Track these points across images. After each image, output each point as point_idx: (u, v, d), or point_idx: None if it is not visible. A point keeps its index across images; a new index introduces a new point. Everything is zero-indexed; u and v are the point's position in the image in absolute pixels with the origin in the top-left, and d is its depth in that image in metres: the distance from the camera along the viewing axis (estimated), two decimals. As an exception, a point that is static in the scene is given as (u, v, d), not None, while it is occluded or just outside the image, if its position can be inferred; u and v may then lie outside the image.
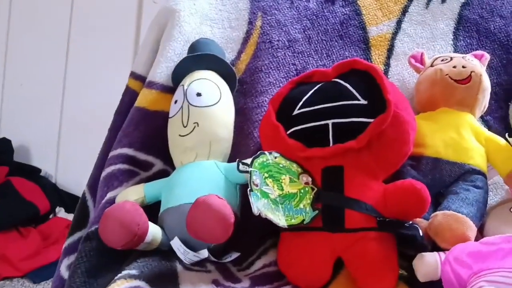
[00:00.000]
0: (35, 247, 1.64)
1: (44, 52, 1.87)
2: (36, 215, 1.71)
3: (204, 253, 0.66)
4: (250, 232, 0.72)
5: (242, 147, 0.80)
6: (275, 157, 0.68)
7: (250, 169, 0.65)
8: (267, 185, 0.66)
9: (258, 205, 0.63)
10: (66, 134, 1.87)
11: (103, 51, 1.74)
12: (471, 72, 0.79)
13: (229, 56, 0.88)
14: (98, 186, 0.79)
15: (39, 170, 1.87)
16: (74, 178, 1.83)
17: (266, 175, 0.67)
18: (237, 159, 0.68)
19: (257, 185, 0.65)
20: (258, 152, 0.68)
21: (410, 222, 0.65)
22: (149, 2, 1.69)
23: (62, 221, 1.74)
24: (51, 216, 1.78)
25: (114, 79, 0.99)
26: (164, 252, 0.68)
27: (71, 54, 1.85)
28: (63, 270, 0.79)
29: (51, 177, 1.89)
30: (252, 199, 0.63)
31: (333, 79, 0.75)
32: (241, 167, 0.66)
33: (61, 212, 1.80)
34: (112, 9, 1.75)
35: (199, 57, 0.79)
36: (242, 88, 0.86)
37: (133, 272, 0.61)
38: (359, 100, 0.70)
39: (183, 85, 0.77)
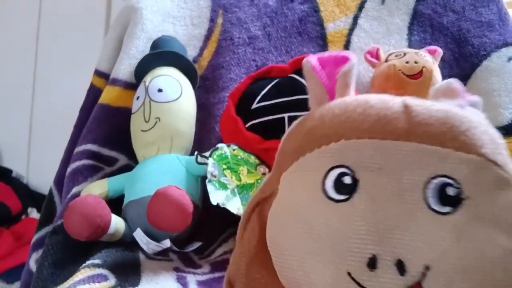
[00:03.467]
0: (8, 248, 1.63)
1: (13, 51, 1.86)
2: (7, 216, 1.71)
3: (166, 243, 0.68)
4: (211, 223, 0.75)
5: (204, 141, 0.82)
6: (233, 150, 0.71)
7: (208, 160, 0.68)
8: (225, 176, 0.69)
9: (216, 195, 0.66)
10: (37, 135, 1.87)
11: (72, 50, 1.74)
12: (423, 67, 0.81)
13: (191, 53, 0.90)
14: (64, 182, 0.81)
15: (10, 171, 1.87)
16: (45, 179, 1.81)
17: (224, 166, 0.69)
18: (196, 152, 0.71)
19: (215, 176, 0.68)
20: (217, 145, 0.70)
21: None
22: (118, 1, 1.70)
23: (35, 221, 1.72)
24: (23, 216, 1.78)
25: (84, 78, 1.00)
26: (128, 243, 0.70)
27: (40, 53, 1.84)
28: (32, 264, 0.81)
29: (22, 178, 1.88)
30: (210, 190, 0.66)
31: (289, 75, 0.78)
32: (200, 159, 0.69)
33: (33, 213, 1.80)
34: (81, 8, 1.76)
35: (161, 54, 0.81)
36: (205, 84, 0.88)
37: (97, 261, 0.63)
38: (313, 93, 0.73)
39: (145, 81, 0.79)
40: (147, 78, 0.79)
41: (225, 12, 0.93)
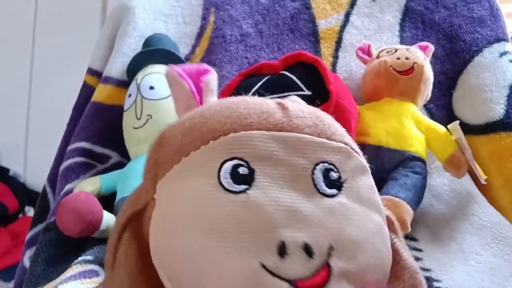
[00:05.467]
0: (5, 246, 1.64)
1: (9, 50, 1.87)
2: (5, 215, 1.72)
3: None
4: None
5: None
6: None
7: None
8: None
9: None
10: (34, 134, 1.88)
11: (68, 49, 1.75)
12: (414, 63, 0.82)
13: (183, 51, 0.90)
14: (57, 179, 0.81)
15: (7, 170, 1.88)
16: (42, 178, 1.81)
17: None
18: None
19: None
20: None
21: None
22: (114, 1, 1.70)
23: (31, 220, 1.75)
24: (20, 215, 1.79)
25: (81, 77, 1.00)
26: (120, 239, 0.70)
27: (37, 52, 1.85)
28: (26, 261, 0.82)
29: (19, 177, 1.89)
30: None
31: (280, 72, 0.78)
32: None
33: (30, 211, 1.81)
34: (77, 8, 1.76)
35: (152, 52, 0.82)
36: (197, 81, 0.89)
37: (89, 257, 0.64)
38: (303, 90, 0.74)
39: (136, 79, 0.79)
40: (139, 76, 0.79)
41: (217, 10, 0.93)
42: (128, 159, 0.79)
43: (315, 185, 0.38)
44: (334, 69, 0.91)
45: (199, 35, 0.92)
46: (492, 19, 0.95)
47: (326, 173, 0.39)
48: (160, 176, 0.40)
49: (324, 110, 0.71)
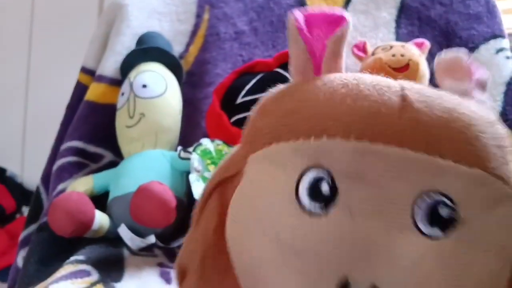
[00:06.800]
0: (3, 247, 1.64)
1: (5, 49, 1.86)
2: (2, 215, 1.71)
3: (151, 239, 0.68)
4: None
5: (190, 137, 0.82)
6: (218, 145, 0.71)
7: (191, 155, 0.68)
8: (209, 171, 0.68)
9: (200, 191, 0.66)
10: (31, 134, 1.87)
11: (65, 48, 1.74)
12: (409, 60, 0.81)
13: (178, 49, 0.90)
14: (50, 179, 0.81)
15: (4, 170, 1.87)
16: (39, 178, 1.83)
17: (208, 161, 0.69)
18: (179, 147, 0.71)
19: (199, 171, 0.67)
20: (200, 140, 0.70)
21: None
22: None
23: (29, 220, 1.74)
24: (17, 215, 1.78)
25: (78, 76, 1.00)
26: (112, 239, 0.70)
27: (33, 51, 1.84)
28: (19, 261, 0.82)
29: (16, 177, 1.88)
30: (193, 185, 0.66)
31: (274, 69, 0.78)
32: (182, 154, 0.69)
33: (27, 212, 1.80)
34: (74, 7, 1.76)
35: (146, 50, 0.81)
36: (191, 80, 0.88)
37: (80, 257, 0.63)
38: (297, 88, 0.73)
39: (129, 77, 0.79)
40: (132, 74, 0.79)
41: (212, 8, 0.92)
42: (121, 158, 0.79)
43: (412, 218, 0.30)
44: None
45: (193, 33, 0.91)
46: (489, 15, 0.94)
47: (433, 206, 0.30)
48: (254, 149, 0.36)
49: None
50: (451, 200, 0.30)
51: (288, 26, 0.36)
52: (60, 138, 0.84)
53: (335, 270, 0.30)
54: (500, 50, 0.89)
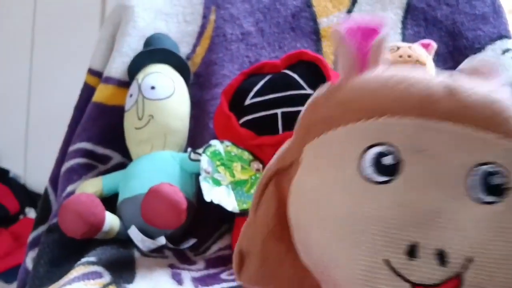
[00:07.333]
0: (7, 248, 1.64)
1: (8, 51, 1.86)
2: (5, 216, 1.72)
3: (161, 240, 0.68)
4: (206, 219, 0.75)
5: (198, 138, 0.82)
6: (227, 146, 0.71)
7: (201, 157, 0.68)
8: (219, 172, 0.69)
9: (210, 192, 0.66)
10: (34, 135, 1.87)
11: (68, 49, 1.74)
12: (416, 61, 0.81)
13: (184, 50, 0.90)
14: (59, 181, 0.81)
15: (7, 172, 1.87)
16: (43, 179, 1.79)
17: (218, 163, 0.69)
18: (189, 148, 0.71)
19: (209, 173, 0.68)
20: (210, 142, 0.70)
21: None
22: (113, 0, 1.70)
23: (32, 221, 1.72)
24: (21, 216, 1.78)
25: (80, 77, 1.00)
26: (123, 241, 0.70)
27: (36, 52, 1.84)
28: (28, 263, 0.82)
29: (19, 178, 1.88)
30: (203, 186, 0.66)
31: (282, 71, 0.78)
32: (193, 155, 0.69)
33: (31, 213, 1.80)
34: (76, 8, 1.76)
35: (153, 52, 0.81)
36: (198, 81, 0.88)
37: (92, 259, 0.64)
38: (305, 89, 0.74)
39: (137, 79, 0.79)
40: (140, 76, 0.79)
41: (218, 9, 0.92)
42: (129, 159, 0.79)
43: (469, 187, 0.34)
44: (336, 68, 0.90)
45: (200, 34, 0.91)
46: (495, 16, 0.94)
47: (487, 176, 0.34)
48: (309, 138, 0.38)
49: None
50: (503, 169, 0.34)
51: (335, 36, 0.39)
52: (68, 140, 0.85)
53: (403, 235, 0.33)
54: (506, 50, 0.89)
